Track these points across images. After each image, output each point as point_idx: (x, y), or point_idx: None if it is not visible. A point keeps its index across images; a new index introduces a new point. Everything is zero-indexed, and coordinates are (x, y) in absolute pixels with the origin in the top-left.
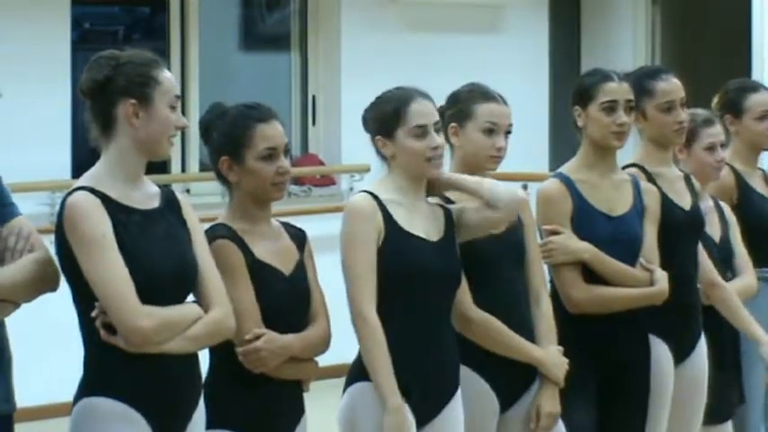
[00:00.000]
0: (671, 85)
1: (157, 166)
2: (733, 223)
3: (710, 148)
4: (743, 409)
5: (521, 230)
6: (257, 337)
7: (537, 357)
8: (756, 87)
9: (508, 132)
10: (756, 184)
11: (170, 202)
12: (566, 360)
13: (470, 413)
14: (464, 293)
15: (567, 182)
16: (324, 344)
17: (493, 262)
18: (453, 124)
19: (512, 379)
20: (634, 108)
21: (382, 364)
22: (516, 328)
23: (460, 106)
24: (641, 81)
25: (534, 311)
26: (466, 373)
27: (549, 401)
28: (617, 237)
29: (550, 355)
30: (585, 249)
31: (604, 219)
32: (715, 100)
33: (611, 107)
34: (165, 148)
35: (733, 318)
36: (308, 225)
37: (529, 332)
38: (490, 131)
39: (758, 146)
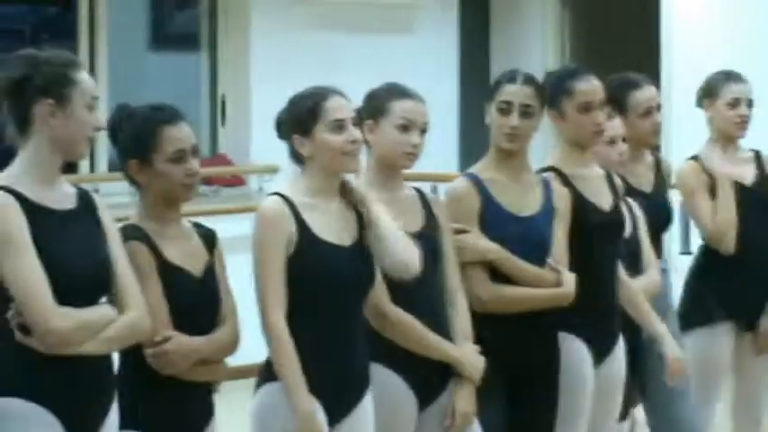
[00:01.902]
0: (590, 86)
1: (65, 166)
2: (641, 220)
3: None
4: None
5: (437, 231)
6: (166, 340)
7: (453, 356)
8: (639, 83)
9: (424, 130)
10: (641, 182)
11: (86, 203)
12: (482, 359)
13: (388, 412)
14: (381, 292)
15: (476, 181)
16: (233, 345)
17: None
18: (369, 121)
19: (429, 378)
20: (555, 108)
21: (291, 370)
22: (433, 326)
23: (376, 103)
24: (561, 80)
25: (451, 311)
26: (383, 371)
27: (465, 401)
28: (525, 237)
29: (467, 354)
30: (492, 249)
31: (513, 219)
32: None
33: (505, 109)
34: (82, 149)
35: (637, 315)
36: (218, 225)
37: (446, 331)
38: (405, 128)
39: (645, 142)
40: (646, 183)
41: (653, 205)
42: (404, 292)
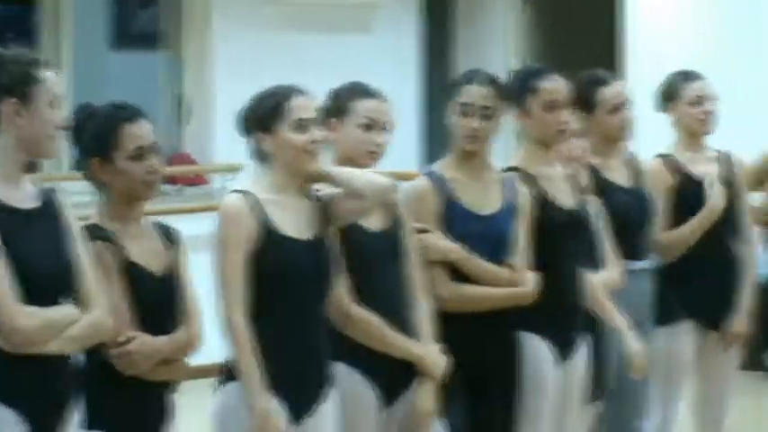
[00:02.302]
0: (555, 85)
1: (27, 165)
2: (600, 216)
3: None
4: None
5: (401, 229)
6: (129, 340)
7: (416, 355)
8: (607, 80)
9: (387, 129)
10: (614, 175)
11: (49, 202)
12: (444, 358)
13: (350, 411)
14: (344, 291)
15: (437, 180)
16: (195, 344)
17: (373, 259)
18: (333, 120)
19: (392, 376)
20: (519, 106)
21: (249, 369)
22: (396, 325)
23: (340, 102)
24: (526, 79)
25: (413, 309)
26: (346, 370)
27: (427, 399)
28: (486, 235)
29: (429, 352)
30: (452, 249)
31: (474, 217)
32: None
33: (465, 110)
34: (49, 148)
35: (597, 309)
36: (181, 224)
37: (408, 330)
38: (368, 127)
39: (614, 138)
40: (621, 177)
41: (631, 200)
42: (367, 291)
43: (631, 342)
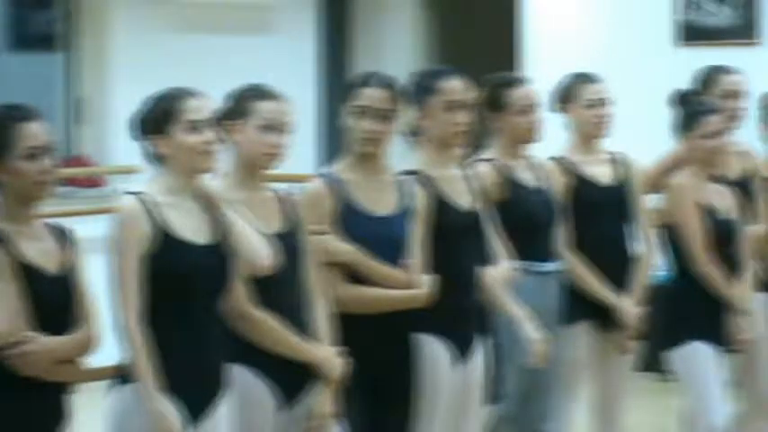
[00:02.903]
0: (455, 86)
1: None
2: (484, 213)
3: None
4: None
5: (296, 230)
6: (25, 341)
7: (313, 357)
8: (516, 82)
9: (287, 131)
10: (523, 176)
11: None
12: (341, 360)
13: (248, 412)
14: (242, 293)
15: (332, 182)
16: (92, 345)
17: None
18: (232, 122)
19: (290, 379)
20: (420, 105)
21: (144, 370)
22: (293, 327)
23: (239, 104)
24: (427, 79)
25: (311, 311)
26: (244, 372)
27: (325, 401)
28: (381, 237)
29: (326, 355)
30: (348, 251)
31: (369, 219)
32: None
33: (361, 113)
34: None
35: (495, 301)
36: (76, 226)
37: (306, 332)
38: (268, 129)
39: (522, 140)
40: (528, 178)
41: (539, 201)
42: (264, 293)
43: (530, 331)
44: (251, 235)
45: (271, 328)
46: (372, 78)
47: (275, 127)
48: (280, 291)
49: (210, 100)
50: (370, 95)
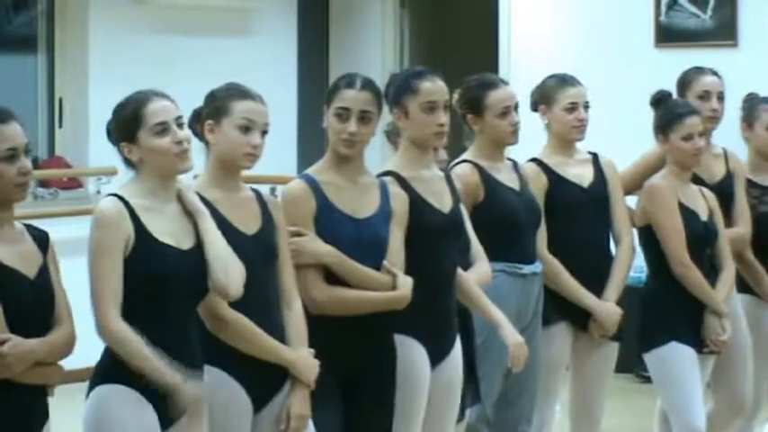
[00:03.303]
0: (435, 86)
1: None
2: (464, 215)
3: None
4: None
5: (274, 231)
6: (1, 342)
7: (288, 359)
8: (496, 83)
9: (265, 131)
10: (504, 178)
11: None
12: (317, 362)
13: (223, 414)
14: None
15: (312, 183)
16: (69, 347)
17: (245, 263)
18: (209, 121)
19: (263, 380)
20: (399, 106)
21: (146, 359)
22: (268, 328)
23: (217, 104)
24: (407, 80)
25: (286, 313)
26: (218, 374)
27: (300, 403)
28: (361, 239)
29: (301, 357)
30: (328, 253)
31: (349, 221)
32: (455, 98)
33: (343, 114)
34: None
35: (473, 304)
36: (55, 228)
37: (280, 333)
38: (246, 129)
39: (502, 141)
40: (509, 180)
41: (520, 203)
42: (243, 297)
43: (509, 335)
44: (226, 258)
45: (245, 330)
46: (354, 80)
47: (253, 127)
48: (255, 292)
49: (173, 101)
50: (353, 97)
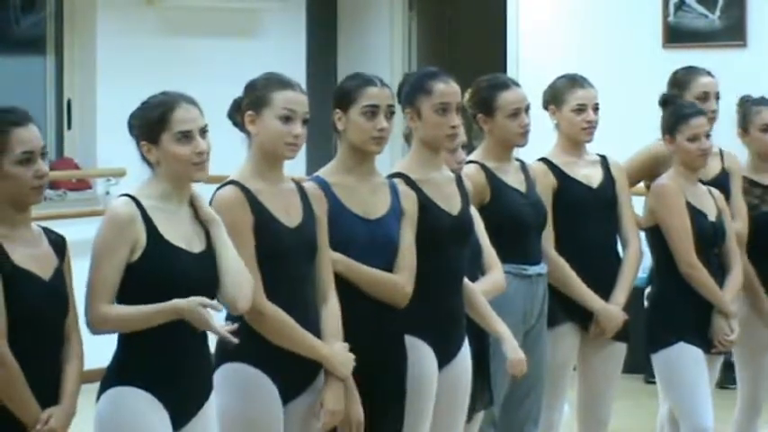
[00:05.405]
0: (448, 88)
1: None
2: (477, 220)
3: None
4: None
5: (315, 224)
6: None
7: (323, 354)
8: (507, 85)
9: (305, 121)
10: (510, 179)
11: None
12: (352, 356)
13: (254, 409)
14: (258, 288)
15: (323, 185)
16: (83, 364)
17: (285, 256)
18: (250, 112)
19: (294, 374)
20: (412, 106)
21: (143, 312)
22: (306, 323)
23: (257, 94)
24: (420, 80)
25: (322, 308)
26: (249, 370)
27: (334, 398)
28: (373, 239)
29: (336, 351)
30: (338, 260)
31: (360, 221)
32: (466, 98)
33: (372, 112)
34: None
35: (478, 316)
36: (64, 230)
37: (316, 328)
38: (287, 119)
39: (511, 143)
40: (516, 181)
41: (527, 204)
42: (282, 289)
43: (510, 349)
44: (237, 270)
45: (283, 325)
46: (372, 78)
47: (294, 117)
48: (295, 290)
49: (200, 108)
50: (380, 94)
